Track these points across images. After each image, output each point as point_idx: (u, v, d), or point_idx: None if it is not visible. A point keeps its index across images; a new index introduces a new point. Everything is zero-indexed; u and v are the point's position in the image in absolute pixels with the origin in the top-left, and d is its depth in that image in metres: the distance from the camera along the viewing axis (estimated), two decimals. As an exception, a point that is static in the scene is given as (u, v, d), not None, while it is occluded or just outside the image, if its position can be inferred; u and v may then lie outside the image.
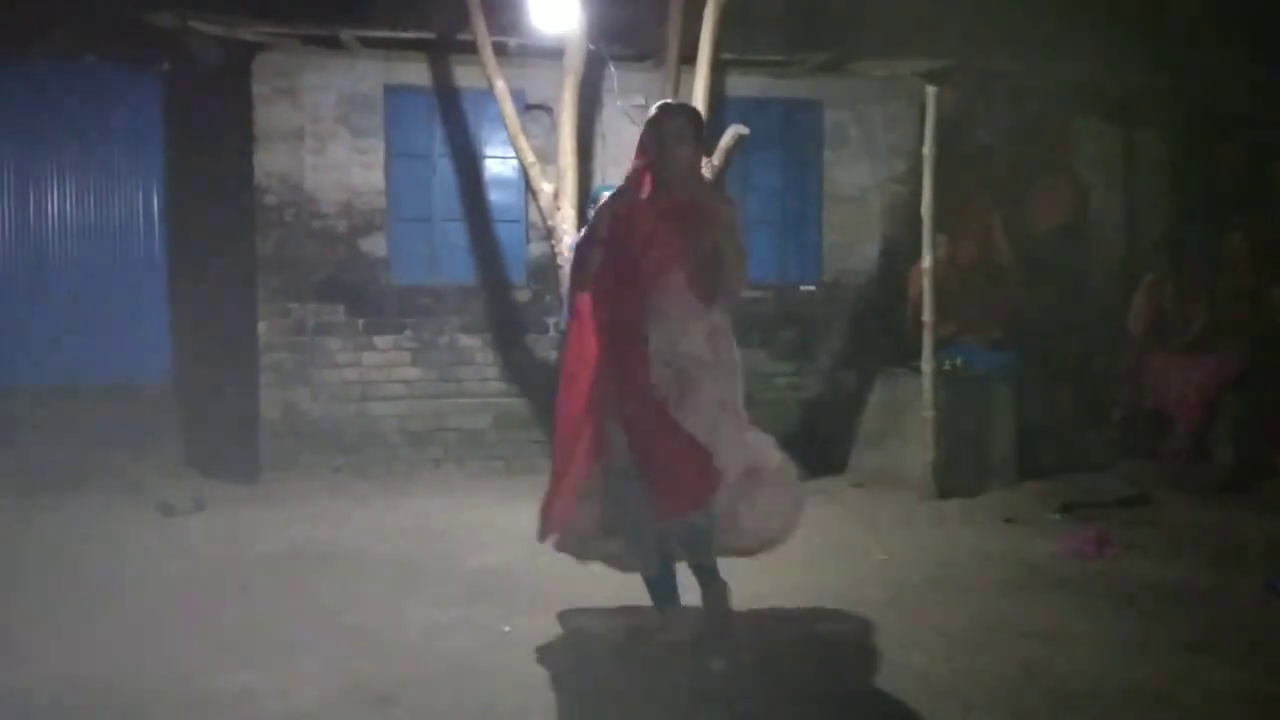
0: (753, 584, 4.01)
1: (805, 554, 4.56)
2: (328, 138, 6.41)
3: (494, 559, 4.46)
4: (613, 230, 3.17)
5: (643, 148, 3.21)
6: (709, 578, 3.28)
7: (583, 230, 3.38)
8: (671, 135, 3.15)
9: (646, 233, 3.15)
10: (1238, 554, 4.58)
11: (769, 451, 3.36)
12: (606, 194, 5.56)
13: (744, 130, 5.54)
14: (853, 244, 7.17)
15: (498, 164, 6.67)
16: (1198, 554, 4.59)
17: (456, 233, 6.66)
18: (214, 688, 3.08)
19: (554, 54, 5.88)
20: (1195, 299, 6.40)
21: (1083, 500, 5.53)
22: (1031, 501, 5.62)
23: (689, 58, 5.72)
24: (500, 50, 5.94)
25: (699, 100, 5.66)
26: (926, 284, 5.75)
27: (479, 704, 2.97)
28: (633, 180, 3.23)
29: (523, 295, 6.70)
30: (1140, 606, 3.88)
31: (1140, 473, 6.15)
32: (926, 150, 5.70)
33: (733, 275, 3.24)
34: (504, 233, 6.71)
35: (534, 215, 6.33)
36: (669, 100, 3.35)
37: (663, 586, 3.30)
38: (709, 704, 2.99)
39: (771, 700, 3.03)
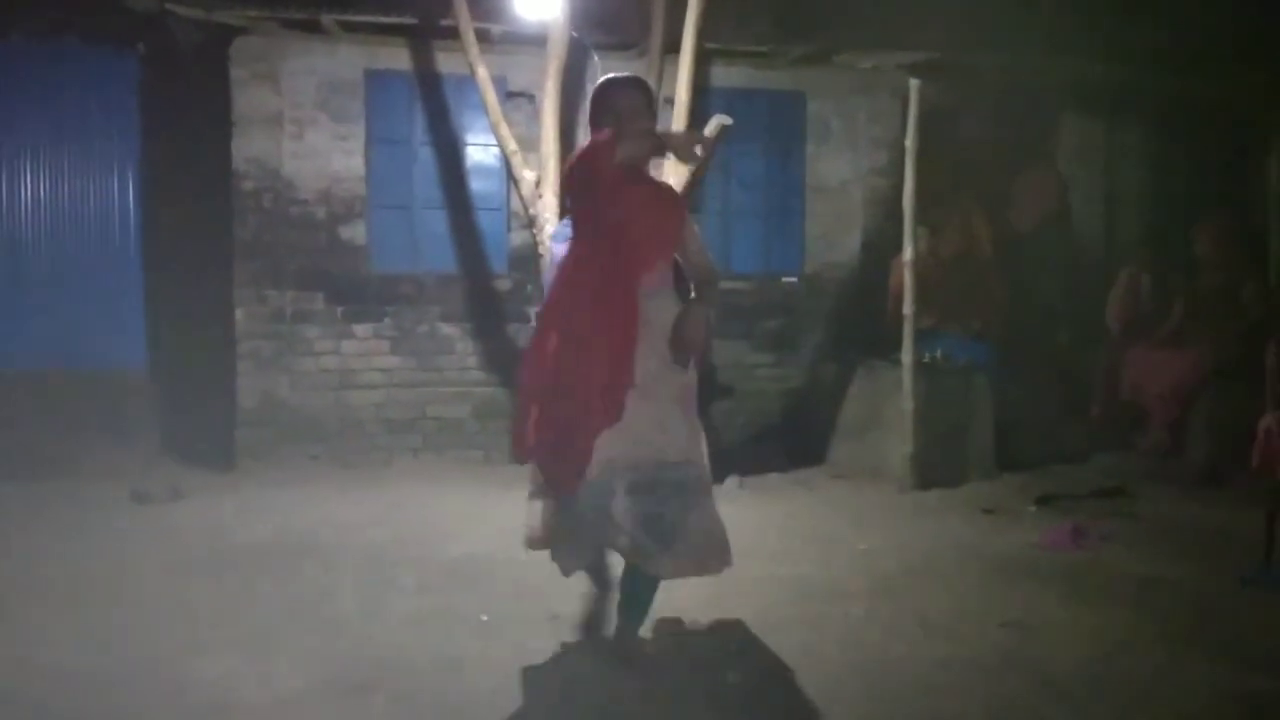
0: (733, 575, 4.02)
1: (785, 545, 4.58)
2: (307, 123, 6.35)
3: (473, 548, 4.44)
4: (596, 204, 2.93)
5: (594, 123, 2.99)
6: (633, 607, 3.09)
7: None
8: (627, 110, 2.94)
9: (637, 213, 2.93)
10: (1213, 546, 4.63)
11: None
12: None
13: (727, 121, 5.52)
14: (834, 236, 7.18)
15: (479, 151, 6.63)
16: (1173, 546, 4.64)
17: (437, 220, 6.62)
18: (192, 676, 3.05)
19: (537, 41, 5.84)
20: (1172, 293, 6.46)
21: (1060, 492, 5.58)
22: (1010, 493, 5.67)
23: (673, 47, 5.70)
24: (482, 37, 5.90)
25: (682, 90, 5.65)
26: (907, 276, 5.76)
27: (459, 692, 2.96)
28: (596, 152, 2.87)
29: (504, 284, 6.67)
30: (1116, 597, 3.91)
31: (1117, 465, 6.21)
32: (909, 143, 5.72)
33: (711, 277, 3.09)
34: (485, 221, 6.68)
35: (515, 204, 6.30)
36: (614, 74, 3.10)
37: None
38: (686, 695, 2.99)
39: (751, 689, 3.03)
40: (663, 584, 3.42)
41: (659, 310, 2.95)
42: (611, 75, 3.11)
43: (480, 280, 6.63)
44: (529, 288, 6.56)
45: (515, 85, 6.50)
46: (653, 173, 3.31)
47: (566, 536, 2.99)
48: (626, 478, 2.87)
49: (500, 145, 5.78)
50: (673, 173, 5.64)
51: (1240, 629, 3.60)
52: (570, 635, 3.43)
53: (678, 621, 3.52)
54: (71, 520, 4.87)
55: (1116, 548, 4.62)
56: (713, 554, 2.98)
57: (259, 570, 4.13)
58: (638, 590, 3.08)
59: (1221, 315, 6.20)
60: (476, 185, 6.66)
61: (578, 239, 3.06)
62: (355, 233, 6.46)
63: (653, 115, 3.07)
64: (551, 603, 3.65)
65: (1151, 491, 5.68)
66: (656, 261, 2.99)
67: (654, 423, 2.90)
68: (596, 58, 6.37)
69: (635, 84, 3.08)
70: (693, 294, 3.09)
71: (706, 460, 3.05)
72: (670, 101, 5.78)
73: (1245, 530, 4.52)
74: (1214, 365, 6.11)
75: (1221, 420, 5.94)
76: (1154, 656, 3.31)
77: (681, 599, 3.71)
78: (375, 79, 6.44)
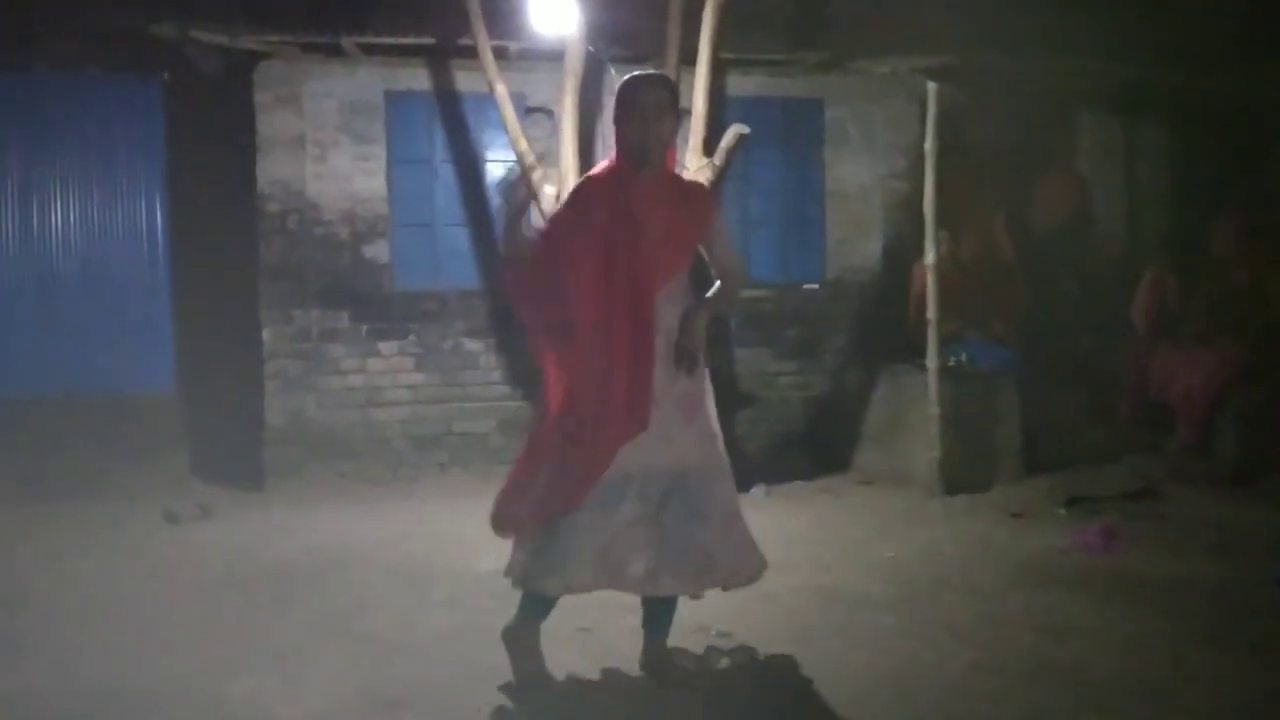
0: (761, 584, 4.01)
1: (813, 553, 4.57)
2: (329, 145, 6.42)
3: (501, 562, 4.39)
4: (600, 217, 2.86)
5: (618, 122, 2.93)
6: (657, 622, 3.09)
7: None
8: (652, 107, 2.88)
9: (655, 219, 2.85)
10: (1244, 547, 4.58)
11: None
12: None
13: (745, 129, 5.54)
14: (855, 242, 7.17)
15: (499, 168, 6.68)
16: (1204, 547, 4.59)
17: (459, 237, 6.67)
18: (223, 693, 3.08)
19: (554, 57, 5.88)
20: (1198, 292, 6.39)
21: (1089, 494, 5.52)
22: (1038, 496, 5.62)
23: (689, 58, 5.73)
24: (500, 54, 5.95)
25: (699, 100, 5.67)
26: (930, 281, 5.75)
27: (490, 708, 2.97)
28: (615, 161, 2.91)
29: (526, 298, 6.69)
30: (1148, 600, 3.88)
31: (1146, 466, 6.14)
32: (928, 147, 5.71)
33: (734, 277, 3.06)
34: (506, 236, 6.72)
35: (536, 218, 6.33)
36: (639, 71, 3.03)
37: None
38: (718, 706, 2.99)
39: (782, 699, 3.03)
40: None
41: (669, 316, 2.91)
42: (635, 73, 3.02)
43: (503, 295, 6.67)
44: (551, 301, 6.57)
45: (533, 101, 6.54)
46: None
47: (562, 556, 2.88)
48: (633, 487, 2.86)
49: (520, 160, 5.82)
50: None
51: (1274, 628, 3.56)
52: (599, 649, 3.43)
53: (706, 632, 3.52)
54: (103, 541, 4.93)
55: (1147, 549, 4.57)
56: (718, 568, 2.94)
57: (289, 587, 4.17)
58: (656, 604, 3.08)
59: (1247, 313, 6.13)
60: (497, 201, 6.71)
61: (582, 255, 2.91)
62: (378, 251, 6.52)
63: (675, 113, 3.00)
64: (580, 617, 3.66)
65: (1181, 491, 5.62)
66: (674, 272, 2.94)
67: (658, 432, 2.87)
68: (613, 71, 6.40)
69: (657, 81, 3.01)
70: (711, 291, 3.03)
71: (722, 468, 2.99)
72: (687, 112, 5.81)
73: (1276, 529, 4.46)
74: (1241, 363, 6.04)
75: (1250, 418, 5.87)
76: (1187, 658, 3.28)
77: (710, 609, 3.71)
78: (395, 99, 6.51)
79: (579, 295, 2.88)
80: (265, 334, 6.37)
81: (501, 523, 3.06)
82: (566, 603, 3.41)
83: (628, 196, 2.90)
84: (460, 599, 3.96)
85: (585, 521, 2.86)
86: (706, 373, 3.04)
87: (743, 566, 3.01)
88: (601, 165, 3.06)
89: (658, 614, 3.11)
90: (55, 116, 6.77)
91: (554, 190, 5.67)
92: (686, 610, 3.69)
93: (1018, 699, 3.00)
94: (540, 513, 2.93)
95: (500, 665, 3.25)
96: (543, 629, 3.13)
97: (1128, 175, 7.57)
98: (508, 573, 3.06)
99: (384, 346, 6.51)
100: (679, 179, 3.17)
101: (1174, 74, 6.72)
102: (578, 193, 3.04)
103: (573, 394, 2.89)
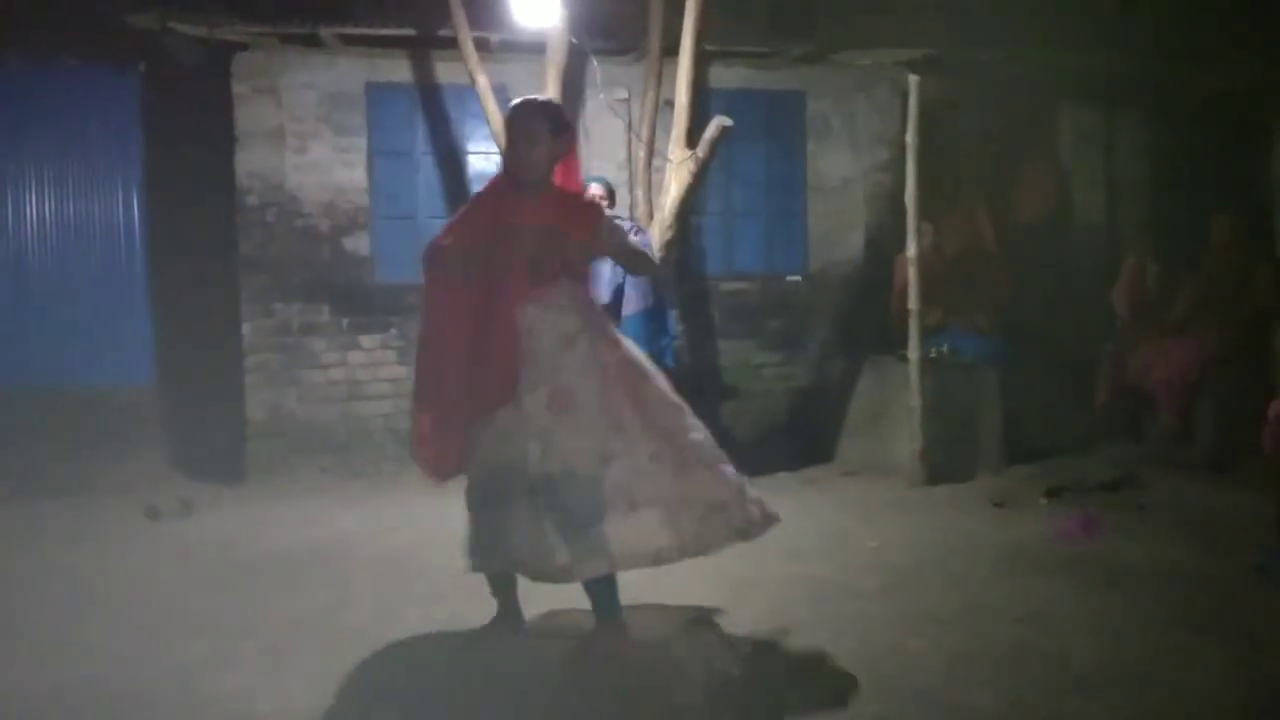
0: (747, 574, 4.03)
1: (796, 543, 4.58)
2: (309, 137, 6.38)
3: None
4: (480, 230, 3.10)
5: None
6: (603, 602, 3.12)
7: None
8: (521, 135, 3.07)
9: (529, 232, 3.05)
10: (1224, 532, 4.62)
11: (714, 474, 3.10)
12: (594, 185, 5.53)
13: (728, 122, 5.54)
14: (837, 234, 7.19)
15: (481, 160, 6.65)
16: (1184, 534, 4.63)
17: (440, 230, 6.62)
18: (207, 689, 3.06)
19: (536, 49, 5.86)
20: (1178, 281, 6.45)
21: (1070, 483, 5.56)
22: (1019, 486, 5.66)
23: (671, 50, 5.72)
24: (482, 46, 5.92)
25: (682, 92, 5.67)
26: (912, 272, 5.77)
27: (475, 702, 2.97)
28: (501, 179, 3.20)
29: (508, 291, 6.67)
30: (1129, 587, 3.91)
31: (1126, 455, 6.20)
32: (910, 139, 5.73)
33: (638, 261, 3.41)
34: (488, 229, 6.68)
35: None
36: (526, 97, 3.26)
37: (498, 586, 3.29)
38: (708, 696, 2.99)
39: (764, 688, 3.04)
40: (676, 583, 3.43)
41: (550, 319, 3.05)
42: (519, 100, 3.22)
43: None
44: (534, 294, 6.56)
45: (515, 93, 6.48)
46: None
47: (489, 541, 3.07)
48: (518, 481, 2.98)
49: (502, 153, 5.78)
50: (674, 178, 5.67)
51: (1254, 614, 3.60)
52: (583, 641, 3.42)
53: (692, 622, 3.53)
54: (84, 537, 4.89)
55: (1127, 536, 4.61)
56: (619, 550, 2.98)
57: (272, 582, 4.14)
58: (597, 589, 3.11)
59: (1231, 301, 6.19)
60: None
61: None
62: (359, 244, 6.48)
63: (552, 139, 3.11)
64: (567, 610, 3.65)
65: (1161, 479, 5.67)
66: (549, 279, 3.06)
67: (534, 428, 2.99)
68: (595, 63, 6.38)
69: (532, 109, 3.15)
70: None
71: (605, 459, 3.01)
72: (670, 104, 5.80)
73: (1256, 516, 4.51)
74: (1222, 351, 6.10)
75: (1230, 406, 5.92)
76: (1169, 644, 3.31)
77: (695, 598, 3.73)
78: (376, 91, 6.47)
79: (446, 298, 3.19)
80: (245, 328, 6.32)
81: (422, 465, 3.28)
82: (551, 594, 3.41)
83: (505, 210, 3.10)
84: (443, 593, 3.95)
85: (489, 513, 3.04)
86: (595, 369, 3.08)
87: (642, 553, 3.04)
88: (492, 181, 3.33)
89: (598, 597, 3.14)
90: (30, 108, 6.69)
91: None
92: (674, 599, 3.70)
93: (1001, 685, 3.01)
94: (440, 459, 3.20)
95: (485, 659, 3.25)
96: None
97: (1108, 166, 7.63)
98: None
99: (365, 340, 6.48)
100: (565, 196, 3.32)
101: (1154, 65, 6.77)
102: (468, 205, 3.31)
103: (432, 378, 3.18)
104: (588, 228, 3.13)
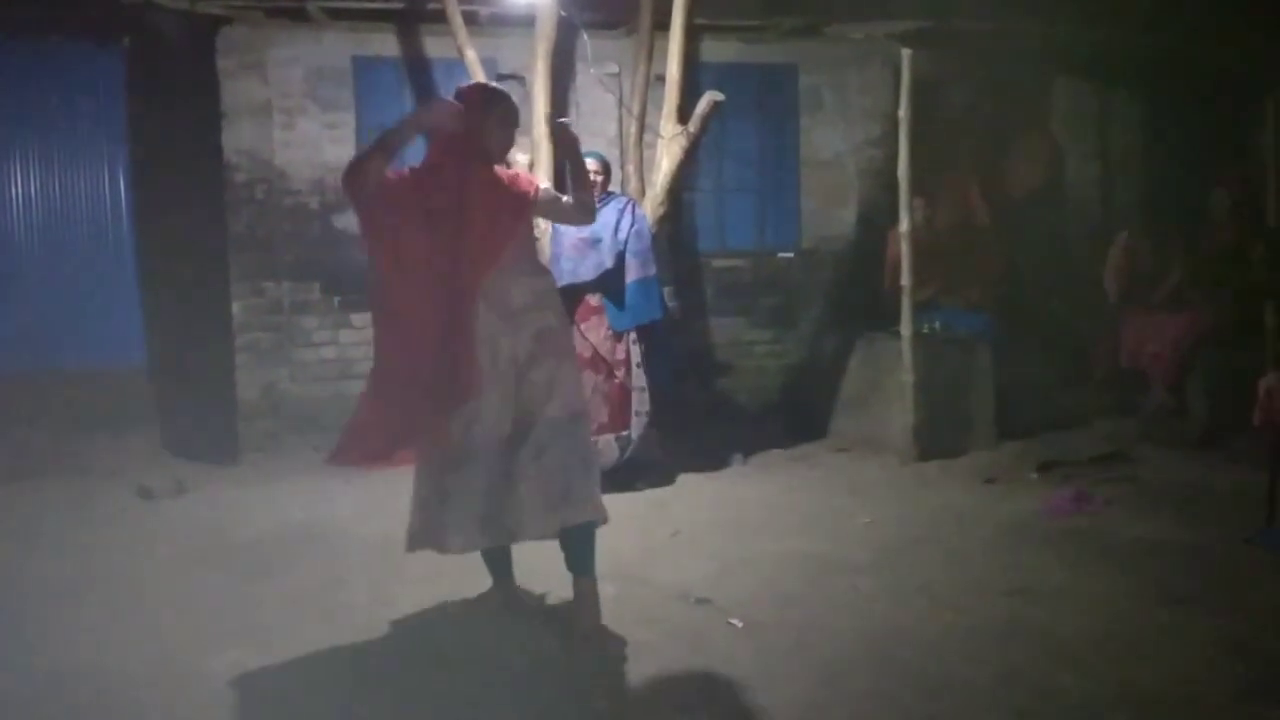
0: (739, 550, 4.04)
1: (789, 519, 4.59)
2: (297, 112, 6.31)
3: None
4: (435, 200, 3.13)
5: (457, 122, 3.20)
6: (582, 555, 3.23)
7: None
8: (511, 120, 3.28)
9: (480, 205, 3.13)
10: (1215, 507, 4.65)
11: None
12: (591, 160, 5.50)
13: (719, 97, 5.50)
14: (830, 209, 7.16)
15: (471, 136, 6.58)
16: (1176, 508, 4.65)
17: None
18: (201, 669, 3.06)
19: (525, 22, 5.80)
20: (1170, 256, 6.45)
21: (1061, 459, 5.58)
22: (1011, 461, 5.67)
23: (662, 24, 5.66)
24: (471, 19, 5.86)
25: (673, 66, 5.62)
26: (904, 248, 5.75)
27: (470, 682, 2.98)
28: (442, 150, 3.21)
29: (500, 268, 6.64)
30: (1121, 561, 3.93)
31: (1118, 430, 6.22)
32: (902, 113, 5.69)
33: (576, 215, 3.45)
34: (479, 205, 6.64)
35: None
36: (485, 83, 3.47)
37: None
38: (699, 669, 3.00)
39: (758, 662, 3.05)
40: (669, 561, 3.43)
41: (510, 286, 3.14)
42: (483, 83, 3.51)
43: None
44: (525, 271, 6.53)
45: (505, 67, 6.45)
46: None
47: (460, 515, 3.12)
48: (483, 448, 3.08)
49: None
50: (666, 154, 5.63)
51: (1243, 589, 3.62)
52: (580, 620, 3.43)
53: (682, 597, 3.54)
54: (76, 518, 4.87)
55: (1119, 512, 4.63)
56: (575, 505, 3.12)
57: (266, 562, 4.14)
58: (572, 544, 3.19)
59: (1224, 275, 6.19)
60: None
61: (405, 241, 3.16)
62: (349, 222, 6.41)
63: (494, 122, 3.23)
64: (561, 589, 3.66)
65: (1152, 454, 5.69)
66: (503, 248, 3.15)
67: (495, 393, 3.07)
68: (586, 36, 6.31)
69: (506, 94, 3.33)
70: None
71: (573, 414, 3.18)
72: (661, 79, 5.76)
73: (1247, 491, 4.53)
74: (1214, 326, 6.11)
75: (1222, 381, 5.94)
76: (1159, 618, 3.34)
77: (686, 574, 3.74)
78: (364, 65, 6.40)
79: (398, 272, 3.14)
80: (235, 307, 6.28)
81: (343, 458, 3.28)
82: (544, 573, 3.42)
83: (468, 178, 3.16)
84: (437, 572, 3.94)
85: (454, 486, 3.12)
86: (561, 325, 3.27)
87: (591, 508, 3.17)
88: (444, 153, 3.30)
89: (574, 552, 3.22)
90: (13, 85, 6.58)
91: (526, 158, 5.61)
92: (668, 576, 3.71)
93: (993, 659, 3.04)
94: (389, 452, 3.27)
95: (478, 638, 3.26)
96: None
97: (1101, 140, 7.60)
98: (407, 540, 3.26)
99: (357, 318, 6.43)
100: (505, 172, 3.38)
101: (1147, 39, 6.73)
102: (419, 173, 3.27)
103: (393, 359, 3.16)
104: (527, 190, 3.31)
